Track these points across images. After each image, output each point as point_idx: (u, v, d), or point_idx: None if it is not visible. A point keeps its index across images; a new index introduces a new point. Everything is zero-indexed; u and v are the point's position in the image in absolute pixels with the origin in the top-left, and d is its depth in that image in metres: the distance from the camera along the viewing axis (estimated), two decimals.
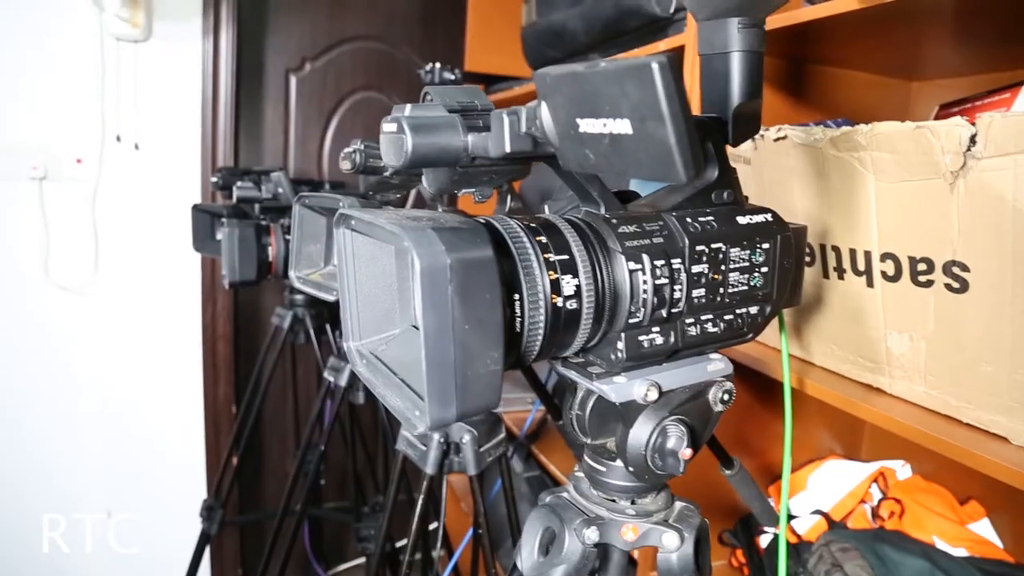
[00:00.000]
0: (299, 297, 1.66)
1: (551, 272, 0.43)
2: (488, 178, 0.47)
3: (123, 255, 1.81)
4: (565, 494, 0.56)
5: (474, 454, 0.89)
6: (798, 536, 1.00)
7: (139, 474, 1.90)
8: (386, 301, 0.49)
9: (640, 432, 0.49)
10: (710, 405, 0.53)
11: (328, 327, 1.71)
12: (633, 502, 0.54)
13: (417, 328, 0.49)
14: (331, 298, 0.78)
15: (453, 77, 1.77)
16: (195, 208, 1.55)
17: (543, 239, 0.44)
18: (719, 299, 0.50)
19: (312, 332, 1.65)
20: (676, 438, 0.49)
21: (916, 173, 0.61)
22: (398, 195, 0.90)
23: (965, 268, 0.60)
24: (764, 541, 1.04)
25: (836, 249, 0.72)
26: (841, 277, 0.72)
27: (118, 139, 1.75)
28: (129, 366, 1.85)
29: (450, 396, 0.37)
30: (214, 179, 1.50)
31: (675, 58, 0.30)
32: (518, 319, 0.42)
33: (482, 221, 0.42)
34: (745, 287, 0.52)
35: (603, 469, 0.54)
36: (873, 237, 0.67)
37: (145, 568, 1.89)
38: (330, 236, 0.87)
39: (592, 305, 0.44)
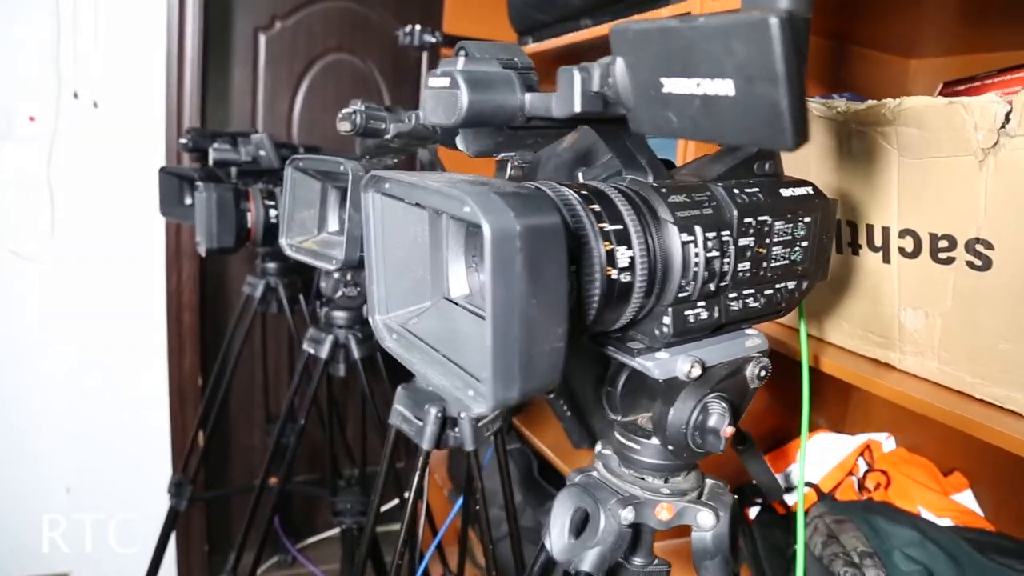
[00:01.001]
0: (272, 266, 1.60)
1: (606, 243, 0.41)
2: (533, 140, 0.44)
3: (81, 220, 1.71)
4: (595, 473, 0.54)
5: (472, 429, 0.87)
6: (787, 508, 1.02)
7: (102, 450, 1.83)
8: (416, 271, 0.46)
9: (682, 410, 0.48)
10: (747, 382, 0.51)
11: (301, 297, 1.66)
12: (666, 480, 0.53)
13: (451, 300, 0.47)
14: (331, 267, 0.74)
15: (434, 40, 1.71)
16: (163, 171, 1.47)
17: (596, 207, 0.41)
18: (762, 273, 0.49)
19: (285, 302, 1.60)
20: (718, 415, 0.48)
21: (944, 150, 0.60)
22: (395, 160, 0.86)
23: (989, 246, 0.60)
24: (753, 512, 1.05)
25: (852, 224, 0.71)
26: (856, 252, 0.72)
27: (75, 96, 1.65)
28: (89, 338, 1.77)
29: (513, 376, 0.34)
30: (183, 140, 1.43)
31: (793, 13, 0.27)
32: (572, 292, 0.40)
33: (532, 187, 0.39)
34: (786, 261, 0.50)
35: (636, 447, 0.52)
36: (893, 213, 0.66)
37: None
38: (324, 202, 0.83)
39: (645, 278, 0.42)
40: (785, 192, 0.50)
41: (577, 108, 0.36)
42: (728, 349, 0.50)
